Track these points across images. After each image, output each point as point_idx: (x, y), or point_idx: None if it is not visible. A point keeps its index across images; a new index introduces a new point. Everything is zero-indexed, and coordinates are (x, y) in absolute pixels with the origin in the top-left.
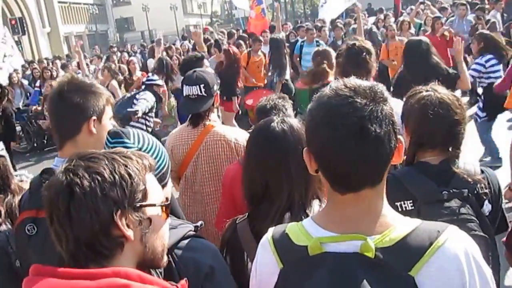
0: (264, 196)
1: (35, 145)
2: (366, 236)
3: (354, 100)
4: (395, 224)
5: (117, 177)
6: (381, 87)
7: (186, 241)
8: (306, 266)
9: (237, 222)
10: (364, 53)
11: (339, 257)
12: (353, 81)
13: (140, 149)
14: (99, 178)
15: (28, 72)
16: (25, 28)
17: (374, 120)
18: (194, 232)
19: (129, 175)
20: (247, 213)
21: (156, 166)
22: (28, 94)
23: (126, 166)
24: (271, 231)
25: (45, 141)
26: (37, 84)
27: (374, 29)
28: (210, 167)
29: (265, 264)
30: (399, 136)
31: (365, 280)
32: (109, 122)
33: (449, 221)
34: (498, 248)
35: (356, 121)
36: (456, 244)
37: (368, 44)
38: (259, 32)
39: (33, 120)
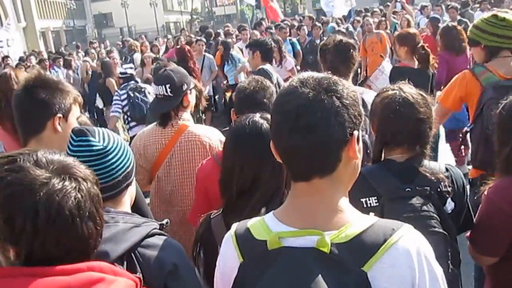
0: (248, 190)
1: None
2: (322, 232)
3: (297, 90)
4: (352, 221)
5: None
6: (334, 79)
7: (150, 239)
8: (264, 260)
9: (211, 217)
10: (351, 49)
11: (296, 251)
12: (308, 74)
13: (105, 147)
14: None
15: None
16: None
17: (310, 109)
18: (158, 230)
19: None
20: (221, 208)
21: (121, 165)
22: None
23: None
24: (234, 226)
25: None
26: None
27: (351, 28)
28: (184, 168)
29: (227, 258)
30: (354, 132)
31: (319, 275)
32: (75, 121)
33: (411, 217)
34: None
35: (291, 109)
36: (409, 242)
37: (352, 41)
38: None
39: None
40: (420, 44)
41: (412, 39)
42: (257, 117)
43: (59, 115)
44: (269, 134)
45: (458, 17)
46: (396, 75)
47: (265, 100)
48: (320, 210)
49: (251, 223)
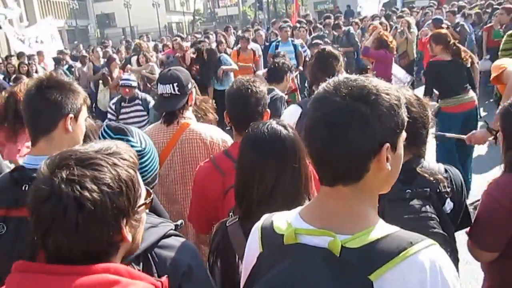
0: (267, 198)
1: None
2: (335, 234)
3: (329, 96)
4: (371, 228)
5: (122, 186)
6: (369, 87)
7: (166, 240)
8: (278, 253)
9: (227, 225)
10: (331, 59)
11: (308, 249)
12: (343, 77)
13: (143, 149)
14: (108, 190)
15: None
16: (2, 22)
17: (339, 119)
18: (174, 231)
19: (132, 181)
20: (237, 216)
21: (152, 167)
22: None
23: (127, 171)
24: (264, 217)
25: None
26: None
27: (352, 30)
28: (185, 166)
29: (251, 248)
30: (386, 144)
31: (324, 276)
32: (84, 122)
33: (411, 219)
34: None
35: (320, 116)
36: (426, 258)
37: (336, 52)
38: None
39: None
40: (452, 41)
41: (445, 38)
42: (274, 123)
43: (71, 115)
44: (288, 140)
45: (456, 20)
46: (433, 67)
47: (256, 105)
48: (339, 213)
49: (277, 216)
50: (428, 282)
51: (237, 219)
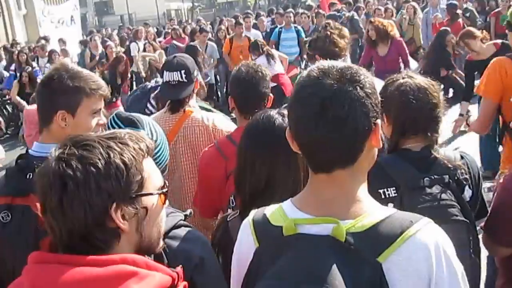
0: (264, 191)
1: (8, 131)
2: (338, 220)
3: (320, 81)
4: (370, 211)
5: (112, 168)
6: (356, 69)
7: (177, 231)
8: (279, 246)
9: (228, 219)
10: (334, 34)
11: (311, 238)
12: (327, 63)
13: (155, 141)
14: (93, 170)
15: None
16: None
17: (337, 101)
18: (184, 221)
19: (125, 165)
20: (238, 210)
21: (163, 159)
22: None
23: (121, 155)
24: (253, 212)
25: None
26: (12, 68)
27: (356, 16)
28: (189, 154)
29: (244, 244)
30: (377, 120)
31: (333, 263)
32: (89, 117)
33: (430, 207)
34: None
35: (317, 101)
36: (428, 236)
37: (342, 28)
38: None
39: (6, 105)
40: None
41: None
42: (272, 112)
43: (63, 111)
44: (281, 129)
45: (464, 5)
46: None
47: (267, 87)
48: (338, 199)
49: (269, 209)
50: (433, 259)
51: (238, 214)
